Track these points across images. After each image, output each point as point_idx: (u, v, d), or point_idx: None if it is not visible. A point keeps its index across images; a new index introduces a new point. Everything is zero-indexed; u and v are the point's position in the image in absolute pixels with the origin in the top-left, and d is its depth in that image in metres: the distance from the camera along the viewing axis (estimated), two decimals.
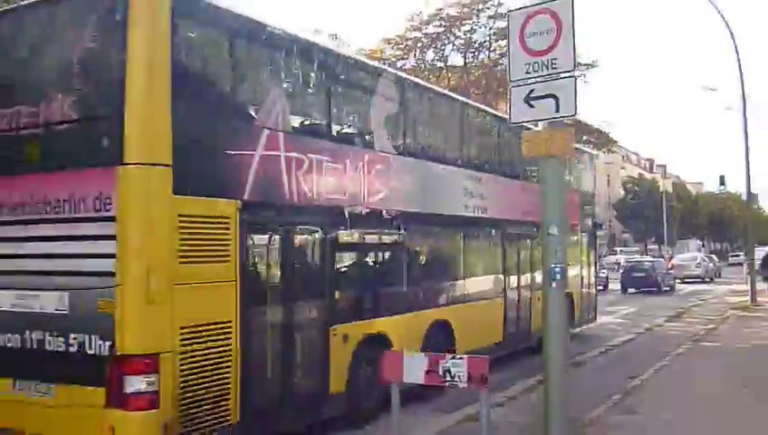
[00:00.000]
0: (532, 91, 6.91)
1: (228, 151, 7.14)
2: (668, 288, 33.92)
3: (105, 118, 6.37)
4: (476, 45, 31.79)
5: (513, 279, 13.35)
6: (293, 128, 8.22)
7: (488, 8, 30.79)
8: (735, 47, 25.06)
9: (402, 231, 9.80)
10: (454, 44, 31.41)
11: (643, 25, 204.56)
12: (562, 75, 6.82)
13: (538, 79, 6.86)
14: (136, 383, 6.04)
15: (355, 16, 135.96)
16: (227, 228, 6.90)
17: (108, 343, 6.15)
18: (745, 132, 24.92)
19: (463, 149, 12.15)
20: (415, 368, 7.00)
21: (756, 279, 24.33)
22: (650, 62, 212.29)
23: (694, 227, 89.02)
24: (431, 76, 32.05)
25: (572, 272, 14.94)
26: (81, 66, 6.72)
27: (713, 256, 55.56)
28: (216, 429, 6.67)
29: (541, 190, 6.98)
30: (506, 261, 13.11)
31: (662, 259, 41.20)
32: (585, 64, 30.98)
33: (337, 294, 8.65)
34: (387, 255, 10.02)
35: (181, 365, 6.34)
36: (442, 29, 31.36)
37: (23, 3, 7.38)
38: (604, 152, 34.64)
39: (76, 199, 6.40)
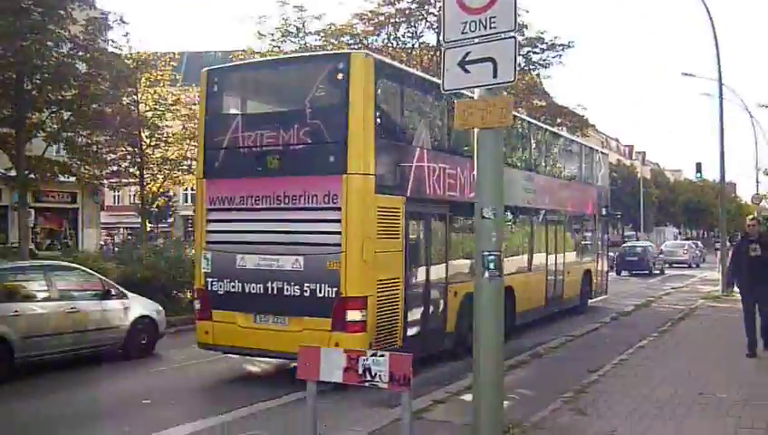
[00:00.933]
0: (468, 53, 6.07)
1: (400, 164, 10.68)
2: (658, 271, 37.72)
3: (334, 143, 9.75)
4: None
5: (552, 256, 17.25)
6: (431, 146, 11.68)
7: None
8: (714, 31, 24.35)
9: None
10: (427, 20, 30.42)
11: (623, 10, 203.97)
12: (501, 36, 5.96)
13: (475, 40, 6.01)
14: (354, 315, 9.43)
15: None
16: (399, 215, 10.37)
17: (335, 289, 9.52)
18: (721, 119, 24.28)
19: (524, 156, 16.31)
20: (332, 365, 6.39)
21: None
22: (630, 47, 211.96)
23: (671, 214, 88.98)
24: (403, 54, 31.10)
25: (591, 253, 20.42)
26: (317, 106, 10.18)
27: (698, 242, 58.03)
28: (387, 349, 9.06)
29: (476, 167, 6.14)
30: (548, 241, 17.15)
31: (652, 245, 43.79)
32: (561, 45, 30.11)
33: (452, 262, 12.08)
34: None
35: (377, 305, 9.74)
36: (415, 5, 30.35)
37: (276, 57, 11.43)
38: (578, 135, 33.78)
39: (310, 195, 9.80)
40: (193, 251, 13.18)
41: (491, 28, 5.93)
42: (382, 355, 6.13)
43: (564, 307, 17.86)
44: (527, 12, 30.09)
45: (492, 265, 5.89)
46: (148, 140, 25.92)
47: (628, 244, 43.90)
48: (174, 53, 26.95)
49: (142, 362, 12.24)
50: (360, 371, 6.23)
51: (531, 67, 30.78)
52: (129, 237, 38.13)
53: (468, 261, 12.04)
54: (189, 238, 29.41)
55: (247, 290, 10.19)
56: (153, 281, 17.00)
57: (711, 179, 78.70)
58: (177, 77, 26.15)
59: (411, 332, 10.66)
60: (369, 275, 9.66)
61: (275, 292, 9.93)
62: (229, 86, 11.47)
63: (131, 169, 26.44)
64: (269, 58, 14.79)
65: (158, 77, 25.77)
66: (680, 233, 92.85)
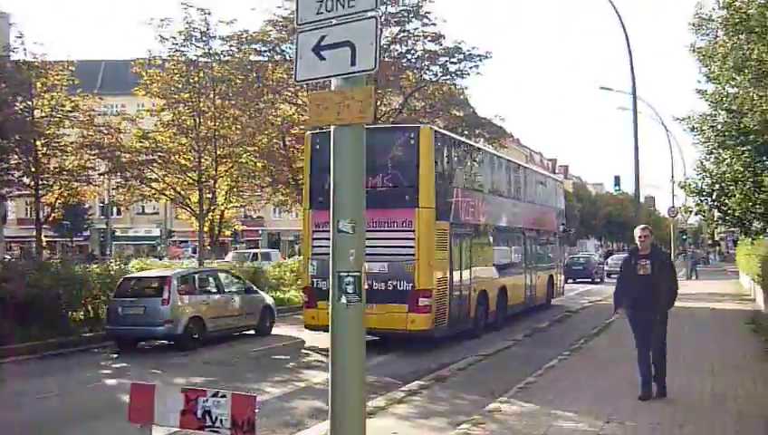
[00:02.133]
0: (323, 37, 5.14)
1: (447, 200, 16.27)
2: (599, 280, 42.16)
3: (409, 187, 15.14)
4: None
5: (528, 265, 22.43)
6: (464, 186, 17.67)
7: None
8: (628, 45, 24.22)
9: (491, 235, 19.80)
10: None
11: (541, 25, 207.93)
12: (361, 15, 5.05)
13: (332, 21, 5.09)
14: (423, 301, 14.60)
15: None
16: (446, 234, 15.89)
17: (410, 284, 14.79)
18: (635, 132, 24.19)
19: (512, 189, 22.11)
20: (168, 408, 5.33)
21: None
22: (551, 62, 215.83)
23: (593, 227, 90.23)
24: None
25: (553, 262, 25.79)
26: (396, 162, 15.33)
27: None
28: (441, 326, 15.37)
29: (332, 171, 5.19)
30: (525, 253, 22.43)
31: (595, 256, 50.72)
32: (478, 55, 29.65)
33: (474, 268, 17.49)
34: (487, 249, 19.23)
35: (436, 295, 15.02)
36: None
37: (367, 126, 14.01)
38: (495, 147, 33.35)
39: (398, 222, 15.09)
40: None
41: (349, 6, 5.02)
42: (224, 396, 5.15)
43: (536, 304, 23.22)
44: (444, 21, 29.52)
45: (350, 289, 4.95)
46: (43, 149, 24.31)
47: (574, 255, 48.15)
48: (70, 60, 25.32)
49: (275, 335, 18.64)
50: (200, 414, 5.25)
51: (448, 78, 30.23)
52: (10, 252, 35.55)
53: (482, 267, 18.30)
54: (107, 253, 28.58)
55: None
56: (36, 300, 15.66)
57: (631, 192, 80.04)
58: (76, 82, 24.60)
59: (453, 315, 16.16)
60: (432, 274, 15.19)
61: (368, 287, 11.24)
62: (327, 145, 12.81)
63: (24, 179, 24.74)
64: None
65: (55, 81, 24.20)
66: (601, 245, 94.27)
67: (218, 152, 22.78)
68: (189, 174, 22.59)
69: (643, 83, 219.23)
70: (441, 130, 18.49)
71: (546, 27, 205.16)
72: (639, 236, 9.64)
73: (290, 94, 29.96)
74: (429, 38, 29.74)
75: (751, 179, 23.43)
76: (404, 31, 29.90)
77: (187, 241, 60.60)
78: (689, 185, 25.96)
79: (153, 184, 23.19)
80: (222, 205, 27.65)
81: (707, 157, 26.00)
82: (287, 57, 29.81)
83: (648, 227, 9.80)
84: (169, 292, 15.90)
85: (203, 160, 22.30)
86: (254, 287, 19.54)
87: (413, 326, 14.82)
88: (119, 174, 22.25)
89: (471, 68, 29.72)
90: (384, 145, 15.36)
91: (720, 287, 33.04)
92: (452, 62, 29.72)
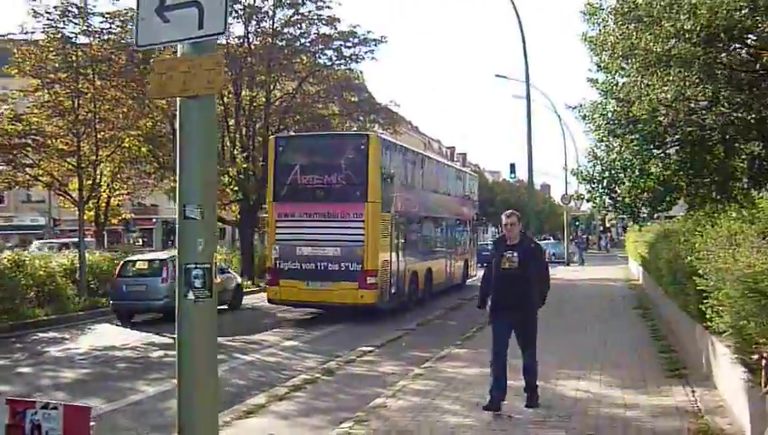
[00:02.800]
0: None
1: (389, 194, 19.03)
2: None
3: (359, 184, 18.09)
4: (261, 13, 29.13)
5: (448, 250, 25.77)
6: (401, 183, 20.59)
7: None
8: (522, 33, 24.25)
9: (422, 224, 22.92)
10: (234, 10, 28.55)
11: (441, 12, 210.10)
12: None
13: None
14: (370, 279, 17.61)
15: None
16: (389, 223, 18.82)
17: (360, 265, 17.69)
18: (528, 119, 24.26)
19: (438, 184, 25.54)
20: None
21: None
22: (449, 49, 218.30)
23: (490, 214, 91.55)
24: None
25: (468, 247, 29.34)
26: (348, 164, 18.55)
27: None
28: (384, 301, 18.33)
29: (178, 150, 4.55)
30: (446, 239, 25.74)
31: None
32: (373, 40, 29.23)
33: (408, 251, 20.42)
34: (418, 235, 22.26)
35: (380, 274, 18.01)
36: None
37: (321, 133, 25.12)
38: (390, 132, 33.08)
39: (350, 214, 18.08)
40: None
41: None
42: (55, 408, 4.47)
43: (454, 284, 26.48)
44: (340, 5, 29.00)
45: (198, 283, 4.35)
46: None
47: (483, 242, 48.56)
48: None
49: (243, 310, 21.86)
50: (28, 429, 4.55)
51: (342, 62, 29.71)
52: None
53: (414, 251, 21.26)
54: None
55: (303, 267, 18.26)
56: None
57: (526, 180, 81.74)
58: None
59: (393, 292, 19.11)
60: (378, 257, 18.04)
61: (321, 268, 18.06)
62: (288, 147, 20.13)
63: None
64: (317, 133, 26.10)
65: None
66: (498, 232, 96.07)
67: (99, 136, 21.39)
68: (68, 159, 21.16)
69: (538, 73, 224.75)
70: (385, 137, 22.11)
71: (443, 15, 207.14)
72: (506, 224, 8.26)
73: None
74: (324, 21, 29.12)
75: (639, 167, 23.83)
76: (298, 13, 29.19)
77: (75, 230, 57.72)
78: (581, 172, 26.22)
79: (27, 169, 21.62)
80: (104, 192, 26.22)
81: (598, 145, 26.31)
82: None
83: (516, 214, 8.35)
84: (168, 272, 18.60)
85: (82, 145, 20.90)
86: (229, 269, 23.95)
87: (362, 301, 17.87)
88: None
89: (366, 53, 29.32)
90: (339, 149, 19.40)
91: (611, 273, 33.92)
92: (347, 47, 29.23)
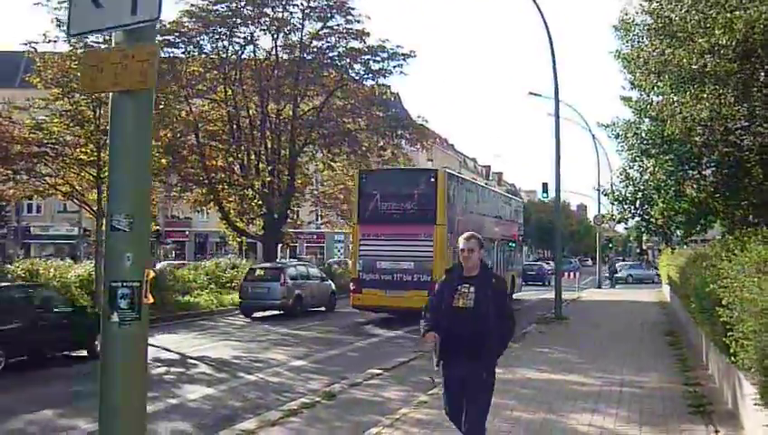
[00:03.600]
0: None
1: (453, 218, 22.64)
2: (548, 283, 44.85)
3: (429, 210, 21.80)
4: (289, 26, 28.88)
5: (500, 264, 27.94)
6: (462, 209, 24.32)
7: None
8: (552, 48, 23.55)
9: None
10: (261, 23, 28.36)
11: (473, 30, 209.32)
12: None
13: None
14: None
15: None
16: (450, 241, 19.51)
17: (429, 277, 20.17)
18: (557, 137, 23.50)
19: (491, 209, 29.09)
20: None
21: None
22: (485, 68, 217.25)
23: (525, 233, 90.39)
24: (233, 56, 28.83)
25: (516, 264, 32.68)
26: (420, 193, 22.41)
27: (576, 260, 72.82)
28: None
29: (110, 152, 4.03)
30: (498, 256, 28.51)
31: (546, 263, 57.68)
32: (403, 54, 28.81)
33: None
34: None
35: None
36: (252, 7, 28.21)
37: (395, 168, 29.30)
38: (418, 149, 32.61)
39: (421, 234, 21.66)
40: None
41: None
42: None
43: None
44: (369, 18, 28.69)
45: (124, 303, 3.80)
46: None
47: (527, 262, 54.01)
48: None
49: (336, 312, 25.92)
50: None
51: (370, 76, 29.31)
52: None
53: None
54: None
55: (382, 278, 21.70)
56: None
57: (561, 200, 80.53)
58: None
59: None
60: (442, 268, 16.59)
61: (398, 278, 21.46)
62: (371, 180, 23.89)
63: None
64: (395, 168, 29.32)
65: None
66: (531, 252, 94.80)
67: None
68: (87, 169, 20.95)
69: (572, 90, 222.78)
70: (450, 171, 25.21)
71: (476, 31, 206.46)
72: (462, 249, 6.26)
73: (204, 89, 28.62)
74: (353, 35, 28.78)
75: (673, 188, 22.98)
76: (327, 27, 28.89)
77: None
78: (613, 192, 25.38)
79: (46, 179, 21.45)
80: None
81: (631, 164, 25.48)
82: (204, 50, 28.47)
83: (476, 237, 6.36)
84: (284, 278, 24.49)
85: (102, 155, 20.67)
86: (325, 276, 28.25)
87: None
88: (5, 167, 20.46)
89: (395, 67, 28.92)
90: (412, 181, 23.62)
91: (644, 296, 33.10)
92: (375, 61, 28.83)
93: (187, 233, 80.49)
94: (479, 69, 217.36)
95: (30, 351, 13.67)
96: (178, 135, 24.45)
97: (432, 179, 22.47)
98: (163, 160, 23.54)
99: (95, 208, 21.74)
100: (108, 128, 14.93)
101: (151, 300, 3.93)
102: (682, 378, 11.33)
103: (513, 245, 32.49)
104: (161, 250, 72.43)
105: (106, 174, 19.12)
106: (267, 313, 24.31)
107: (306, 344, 17.43)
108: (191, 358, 15.03)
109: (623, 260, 78.31)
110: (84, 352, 14.60)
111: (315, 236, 75.08)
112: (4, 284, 16.47)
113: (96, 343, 13.70)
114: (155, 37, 4.21)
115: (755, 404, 6.68)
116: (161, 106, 20.55)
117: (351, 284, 22.94)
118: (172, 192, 27.41)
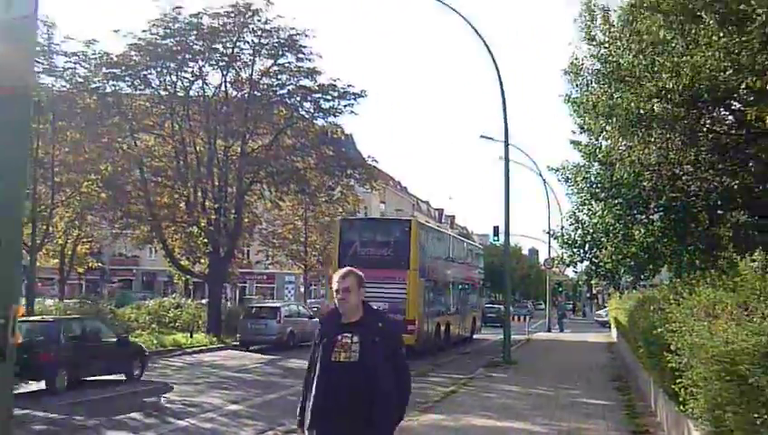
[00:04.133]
0: None
1: (424, 264, 25.62)
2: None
3: (404, 256, 24.49)
4: (239, 62, 28.50)
5: (463, 307, 31.68)
6: (432, 255, 27.43)
7: (253, 22, 27.74)
8: (502, 91, 23.56)
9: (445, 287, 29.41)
10: (210, 58, 27.93)
11: (429, 71, 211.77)
12: None
13: None
14: (411, 326, 23.39)
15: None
16: (423, 286, 25.55)
17: (402, 316, 22.85)
18: (506, 181, 23.38)
19: (456, 255, 32.12)
20: None
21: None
22: (438, 112, 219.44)
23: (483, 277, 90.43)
24: (181, 92, 28.31)
25: (476, 306, 35.77)
26: (395, 240, 25.33)
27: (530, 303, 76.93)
28: (420, 343, 24.10)
29: None
30: (460, 299, 31.65)
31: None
32: (353, 94, 28.60)
33: (435, 308, 27.27)
34: (442, 296, 29.33)
35: (418, 323, 24.59)
36: (202, 43, 27.81)
37: (373, 218, 51.01)
38: (367, 189, 32.36)
39: (397, 277, 23.79)
40: None
41: None
42: None
43: (465, 336, 31.83)
44: (320, 57, 28.44)
45: None
46: None
47: (487, 304, 54.72)
48: None
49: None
50: None
51: (320, 114, 29.03)
52: None
53: (439, 308, 27.94)
54: None
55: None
56: None
57: (513, 244, 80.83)
58: None
59: (426, 337, 24.77)
60: (416, 309, 23.59)
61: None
62: (351, 227, 26.54)
63: None
64: (372, 217, 40.72)
65: None
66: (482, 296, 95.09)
67: (56, 179, 20.38)
68: None
69: (524, 135, 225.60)
70: (422, 222, 32.30)
71: (429, 76, 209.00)
72: (337, 290, 4.98)
73: (150, 124, 27.99)
74: (303, 73, 28.52)
75: (622, 232, 22.95)
76: (277, 64, 28.59)
77: (52, 278, 56.73)
78: (561, 236, 25.28)
79: None
80: (59, 238, 25.09)
81: (580, 208, 25.45)
82: (151, 84, 27.92)
83: (355, 273, 5.10)
84: (280, 316, 27.75)
85: (38, 188, 19.89)
86: (312, 314, 30.32)
87: (405, 342, 22.19)
88: None
89: (346, 106, 28.64)
90: (388, 229, 27.20)
91: (593, 337, 33.13)
92: (326, 99, 28.56)
93: (134, 271, 78.92)
94: (432, 112, 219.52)
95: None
96: (119, 169, 23.70)
97: (406, 229, 25.55)
98: (103, 195, 22.79)
99: None
100: (45, 159, 14.12)
101: (19, 339, 3.36)
102: (631, 426, 10.97)
103: (474, 288, 35.89)
104: (106, 289, 70.70)
105: (41, 208, 18.24)
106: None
107: (243, 388, 16.71)
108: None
109: (572, 305, 78.73)
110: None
111: (265, 277, 74.16)
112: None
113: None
114: (34, 35, 3.72)
115: None
116: (104, 139, 19.85)
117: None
118: (114, 229, 26.52)
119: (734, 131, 18.46)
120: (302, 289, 63.55)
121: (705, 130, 17.93)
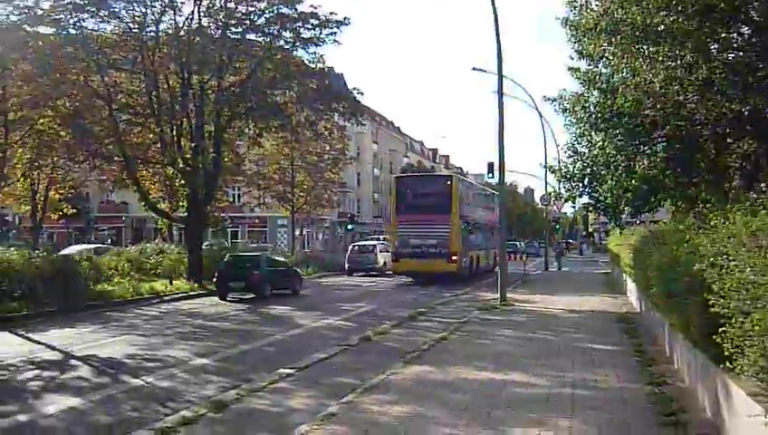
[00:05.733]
0: None
1: (462, 209, 33.58)
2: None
3: (447, 203, 32.23)
4: None
5: (486, 244, 37.85)
6: (467, 202, 35.82)
7: None
8: (496, 22, 21.78)
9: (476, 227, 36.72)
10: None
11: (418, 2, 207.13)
12: None
13: None
14: (453, 257, 31.71)
15: None
16: (461, 226, 33.14)
17: (446, 250, 31.72)
18: (500, 115, 21.82)
19: (482, 202, 40.17)
20: None
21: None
22: (425, 40, 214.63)
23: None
24: (151, 23, 26.34)
25: (495, 243, 32.83)
26: (439, 191, 33.08)
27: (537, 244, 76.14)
28: (460, 270, 32.60)
29: None
30: (486, 237, 38.09)
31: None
32: (336, 21, 26.65)
33: (474, 243, 36.08)
34: (475, 234, 36.94)
35: (458, 255, 32.08)
36: None
37: (417, 174, 58.33)
38: (352, 123, 30.68)
39: (442, 220, 31.98)
40: None
41: None
42: None
43: (489, 268, 36.97)
44: None
45: None
46: None
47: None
48: None
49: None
50: None
51: (300, 44, 27.10)
52: None
53: (473, 243, 35.16)
54: None
55: (413, 251, 31.67)
56: None
57: (508, 183, 79.30)
58: None
59: (464, 266, 32.46)
60: (457, 245, 31.51)
61: (424, 251, 31.45)
62: (404, 181, 35.95)
63: None
64: (421, 173, 57.27)
65: None
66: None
67: (9, 117, 18.64)
68: None
69: (518, 66, 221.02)
70: (460, 177, 40.79)
71: (418, 7, 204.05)
72: None
73: (119, 58, 26.12)
74: (282, 1, 26.54)
75: (623, 164, 21.51)
76: None
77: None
78: (560, 169, 23.72)
79: None
80: (20, 182, 23.44)
81: (579, 140, 23.90)
82: (118, 16, 25.99)
83: None
84: (376, 251, 39.01)
85: None
86: (380, 250, 40.64)
87: (448, 269, 31.16)
88: None
89: (328, 35, 26.72)
90: (434, 182, 36.98)
91: (591, 280, 32.05)
92: (306, 28, 26.62)
93: (123, 219, 77.30)
94: (422, 45, 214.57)
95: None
96: (80, 106, 21.89)
97: (448, 182, 33.95)
98: (63, 133, 21.04)
99: None
100: None
101: None
102: (644, 376, 9.58)
103: (493, 228, 39.85)
104: (94, 236, 69.25)
105: None
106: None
107: (216, 338, 15.34)
108: (75, 358, 12.80)
109: (565, 243, 77.39)
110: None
111: (257, 220, 72.59)
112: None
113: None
114: None
115: (751, 417, 4.94)
116: (58, 74, 18.06)
117: (392, 256, 34.56)
118: (79, 170, 24.86)
119: (749, 47, 16.85)
120: (297, 232, 62.04)
121: (718, 45, 16.30)
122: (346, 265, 38.65)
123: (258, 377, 10.65)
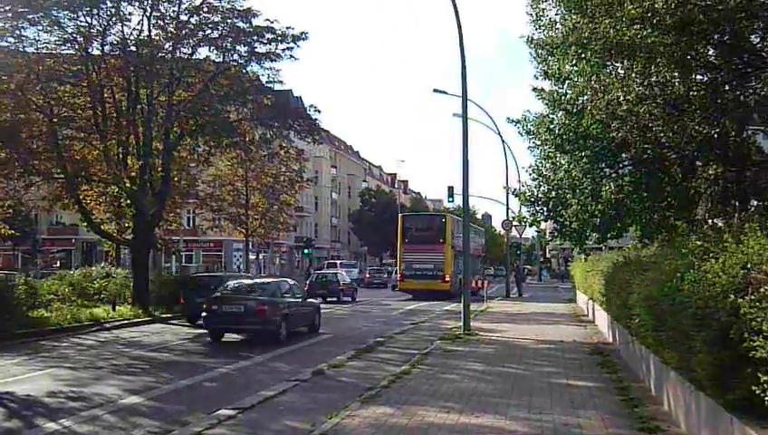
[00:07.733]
0: None
1: (452, 241, 41.59)
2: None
3: (441, 236, 42.19)
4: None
5: (474, 270, 41.10)
6: (455, 235, 41.04)
7: None
8: (461, 44, 20.92)
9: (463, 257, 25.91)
10: None
11: (379, 19, 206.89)
12: None
13: None
14: (447, 278, 41.48)
15: None
16: (452, 254, 41.54)
17: (441, 272, 41.47)
18: (465, 137, 20.92)
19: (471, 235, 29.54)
20: None
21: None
22: (387, 61, 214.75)
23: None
24: (97, 33, 24.93)
25: (480, 270, 50.75)
26: (436, 226, 43.70)
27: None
28: (451, 290, 39.53)
29: None
30: (472, 265, 34.21)
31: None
32: (293, 36, 25.50)
33: (457, 269, 38.94)
34: (460, 261, 28.17)
35: (450, 277, 41.15)
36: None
37: (418, 213, 66.02)
38: (308, 142, 29.53)
39: (438, 250, 41.69)
40: None
41: None
42: None
43: (474, 291, 35.35)
44: None
45: None
46: None
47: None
48: None
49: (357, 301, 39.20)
50: None
51: (255, 60, 25.88)
52: None
53: (460, 269, 29.83)
54: None
55: (416, 273, 41.68)
56: None
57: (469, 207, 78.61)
58: None
59: (454, 287, 38.33)
60: (449, 269, 41.21)
61: (424, 273, 41.46)
62: (409, 219, 47.32)
63: None
64: (422, 213, 69.23)
65: None
66: None
67: None
68: None
69: (481, 89, 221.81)
70: (452, 216, 44.84)
71: (380, 25, 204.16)
72: None
73: (62, 70, 24.63)
74: (237, 15, 25.36)
75: (589, 187, 20.66)
76: (207, 2, 25.33)
77: None
78: (523, 193, 22.77)
79: None
80: None
81: (543, 162, 23.04)
82: (61, 25, 24.54)
83: None
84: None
85: None
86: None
87: (443, 287, 39.48)
88: None
89: (284, 50, 25.55)
90: (432, 220, 46.43)
91: (554, 307, 31.00)
92: (262, 43, 25.42)
93: (73, 241, 74.90)
94: (380, 68, 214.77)
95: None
96: (9, 114, 20.34)
97: (443, 220, 43.15)
98: None
99: None
100: None
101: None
102: (633, 420, 8.46)
103: (478, 258, 48.45)
104: (42, 259, 66.59)
105: None
106: None
107: (154, 372, 13.90)
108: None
109: (526, 269, 76.84)
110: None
111: (212, 244, 70.84)
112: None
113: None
114: None
115: None
116: None
117: (398, 276, 43.86)
118: (13, 187, 23.23)
119: (725, 65, 16.13)
120: (253, 256, 60.33)
121: (697, 61, 15.54)
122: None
123: (195, 419, 9.34)
